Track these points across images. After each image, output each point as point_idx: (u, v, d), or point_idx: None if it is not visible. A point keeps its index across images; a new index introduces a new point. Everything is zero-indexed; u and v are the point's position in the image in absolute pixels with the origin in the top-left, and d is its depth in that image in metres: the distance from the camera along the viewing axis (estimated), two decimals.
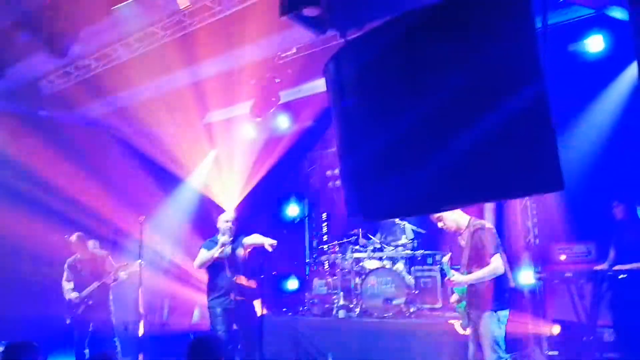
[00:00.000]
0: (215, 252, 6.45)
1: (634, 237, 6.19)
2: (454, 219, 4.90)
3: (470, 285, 4.75)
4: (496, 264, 4.60)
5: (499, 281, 4.67)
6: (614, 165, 7.05)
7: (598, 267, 6.29)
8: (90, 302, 7.09)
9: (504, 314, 4.69)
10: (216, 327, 6.44)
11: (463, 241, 4.88)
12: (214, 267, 6.64)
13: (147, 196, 10.06)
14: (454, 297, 4.95)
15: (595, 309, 5.77)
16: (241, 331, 6.65)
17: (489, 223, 4.91)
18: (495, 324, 4.59)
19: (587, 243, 7.40)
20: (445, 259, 5.01)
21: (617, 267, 6.02)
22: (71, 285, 7.18)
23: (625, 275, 5.61)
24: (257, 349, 5.60)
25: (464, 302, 4.78)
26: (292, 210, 10.96)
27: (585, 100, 7.35)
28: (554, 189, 2.17)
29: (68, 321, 7.12)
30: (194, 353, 3.23)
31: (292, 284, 10.00)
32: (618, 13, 5.76)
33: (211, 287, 6.65)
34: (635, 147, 7.00)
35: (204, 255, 6.54)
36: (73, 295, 7.10)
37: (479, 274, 4.66)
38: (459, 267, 5.00)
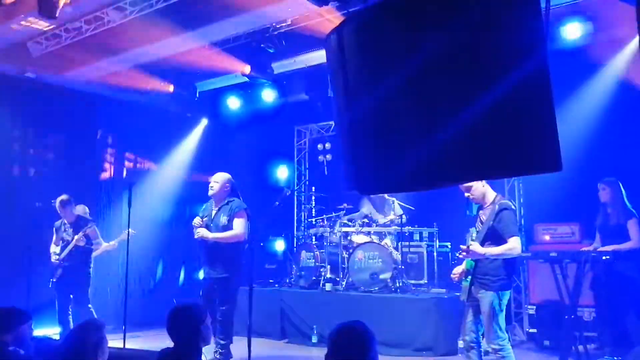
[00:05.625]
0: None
1: (616, 219, 6.26)
2: (482, 191, 4.84)
3: (478, 261, 4.72)
4: (515, 244, 4.57)
5: (508, 262, 4.66)
6: (600, 147, 7.12)
7: (585, 249, 6.37)
8: (67, 264, 7.02)
9: (506, 294, 4.70)
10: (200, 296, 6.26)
11: (484, 216, 4.81)
12: None
13: (136, 163, 10.03)
14: (460, 269, 4.89)
15: (577, 289, 5.84)
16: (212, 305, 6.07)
17: (513, 204, 4.86)
18: (496, 304, 4.60)
19: (571, 224, 7.56)
20: (474, 233, 4.93)
21: (601, 249, 6.10)
22: (56, 249, 7.15)
23: (608, 257, 5.67)
24: (248, 320, 5.54)
25: (470, 277, 4.74)
26: (283, 182, 10.96)
27: (573, 85, 7.42)
28: (551, 170, 2.16)
29: (50, 284, 7.07)
30: (173, 321, 3.24)
31: (280, 255, 10.05)
32: None
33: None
34: (623, 130, 7.07)
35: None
36: (53, 257, 7.10)
37: (497, 250, 4.61)
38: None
